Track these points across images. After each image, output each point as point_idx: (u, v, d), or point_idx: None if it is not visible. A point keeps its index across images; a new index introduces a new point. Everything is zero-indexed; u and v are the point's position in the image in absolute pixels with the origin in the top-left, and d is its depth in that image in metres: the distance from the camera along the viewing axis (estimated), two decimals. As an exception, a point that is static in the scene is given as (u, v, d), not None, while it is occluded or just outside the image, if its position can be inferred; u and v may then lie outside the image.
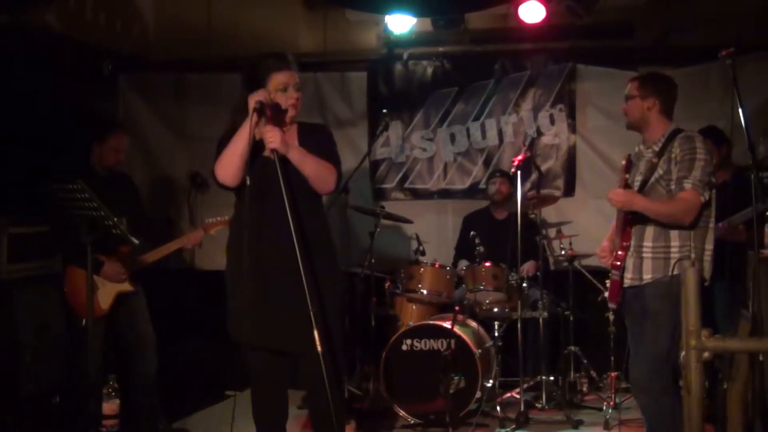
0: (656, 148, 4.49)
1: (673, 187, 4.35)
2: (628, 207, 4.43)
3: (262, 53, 4.38)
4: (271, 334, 4.23)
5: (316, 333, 3.94)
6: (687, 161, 4.30)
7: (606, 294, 4.74)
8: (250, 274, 4.14)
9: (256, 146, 4.12)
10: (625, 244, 4.50)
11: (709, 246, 4.43)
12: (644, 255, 4.44)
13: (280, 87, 4.21)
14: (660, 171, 4.40)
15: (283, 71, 4.24)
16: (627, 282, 4.51)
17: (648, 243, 4.43)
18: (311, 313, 3.94)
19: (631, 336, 4.65)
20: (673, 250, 4.37)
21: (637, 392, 4.66)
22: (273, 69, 4.24)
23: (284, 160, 4.12)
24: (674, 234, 4.38)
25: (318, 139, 4.38)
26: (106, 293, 5.48)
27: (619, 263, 4.51)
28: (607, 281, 4.70)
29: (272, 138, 4.07)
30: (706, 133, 5.83)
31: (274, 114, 4.15)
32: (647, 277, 4.42)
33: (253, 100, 4.07)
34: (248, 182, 4.05)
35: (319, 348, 3.95)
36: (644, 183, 4.46)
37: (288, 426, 4.58)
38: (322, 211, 4.46)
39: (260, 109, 4.07)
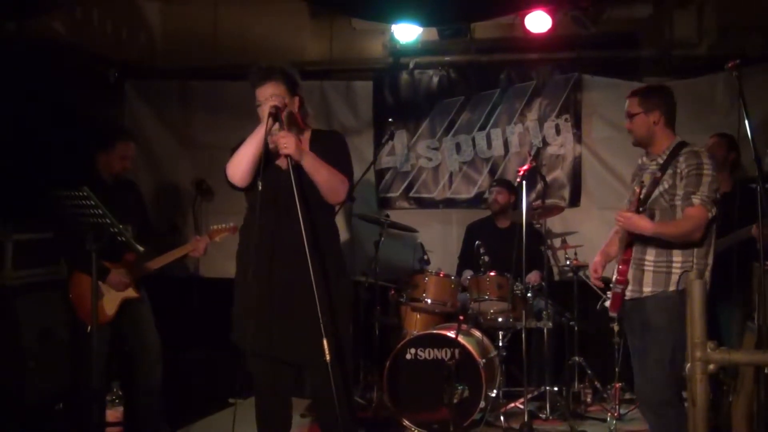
0: (660, 161, 4.47)
1: (678, 202, 4.33)
2: (634, 230, 4.38)
3: (253, 66, 4.37)
4: (279, 343, 4.22)
5: (325, 342, 3.93)
6: (694, 176, 4.29)
7: (607, 303, 4.72)
8: (260, 281, 4.14)
9: (269, 154, 4.13)
10: (626, 258, 4.48)
11: (710, 260, 4.43)
12: (645, 268, 4.42)
13: (259, 103, 4.23)
14: (665, 185, 4.38)
15: (259, 87, 4.25)
16: (628, 295, 4.49)
17: (650, 257, 4.41)
18: (321, 322, 3.94)
19: (631, 349, 4.64)
20: (675, 264, 4.35)
21: (640, 405, 4.64)
22: (254, 86, 4.26)
23: (297, 168, 4.12)
24: (677, 249, 4.36)
25: (331, 147, 4.37)
26: (112, 299, 5.48)
27: (621, 277, 4.49)
28: (608, 292, 4.68)
29: (286, 144, 4.07)
30: (718, 135, 5.87)
31: (288, 120, 4.16)
32: (647, 290, 4.40)
33: (268, 105, 4.08)
34: (260, 187, 4.05)
35: (327, 357, 3.94)
36: (647, 197, 4.43)
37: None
38: (332, 221, 4.45)
39: (275, 115, 4.07)
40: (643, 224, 4.32)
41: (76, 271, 5.51)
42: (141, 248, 5.12)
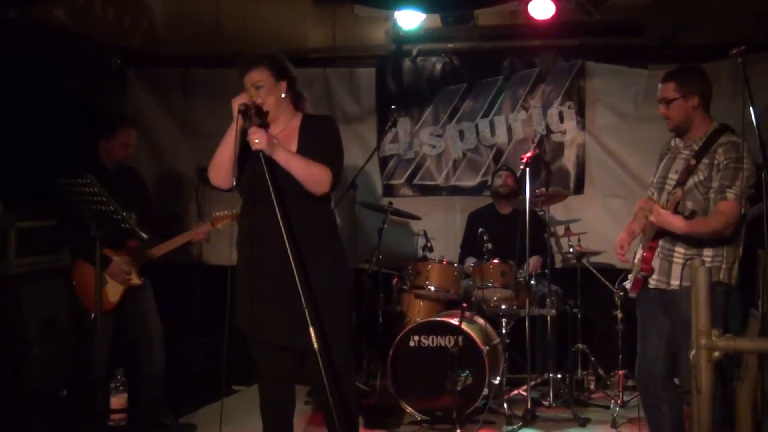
0: (695, 147, 4.39)
1: (712, 195, 4.26)
2: (668, 228, 4.29)
3: (242, 54, 4.39)
4: (275, 330, 4.26)
5: (311, 330, 3.95)
6: (732, 170, 4.21)
7: (626, 284, 4.67)
8: (253, 270, 4.23)
9: (249, 148, 4.15)
10: (652, 245, 4.42)
11: (740, 252, 4.37)
12: (674, 260, 4.35)
13: (250, 89, 4.25)
14: (700, 176, 4.29)
15: (244, 76, 4.26)
16: (653, 284, 4.43)
17: (680, 249, 4.34)
18: (306, 311, 3.95)
19: (642, 332, 4.62)
20: (705, 259, 4.25)
21: (661, 390, 4.52)
22: (241, 75, 4.28)
23: (272, 162, 4.13)
24: (708, 243, 4.29)
25: (319, 133, 4.35)
26: (115, 287, 5.49)
27: (646, 266, 4.42)
28: (629, 275, 4.63)
29: (257, 139, 4.08)
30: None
31: (258, 115, 4.19)
32: (675, 283, 4.33)
33: (237, 103, 4.10)
34: (234, 183, 4.10)
35: (315, 345, 3.95)
36: (680, 183, 4.36)
37: (294, 421, 4.58)
38: (324, 207, 4.40)
39: (244, 112, 4.10)
40: (677, 223, 4.24)
41: (79, 258, 5.52)
42: (145, 235, 5.13)
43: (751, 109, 4.18)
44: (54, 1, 6.58)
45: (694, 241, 4.31)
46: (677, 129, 4.49)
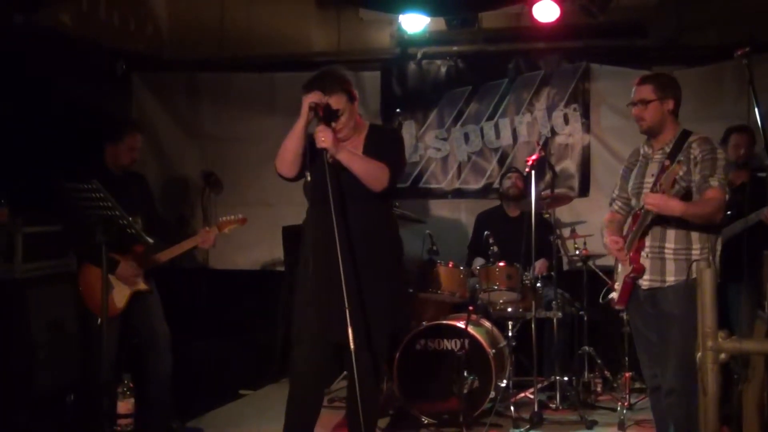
0: (667, 149, 4.45)
1: (695, 188, 4.32)
2: (666, 211, 4.31)
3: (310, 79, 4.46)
4: (327, 326, 4.34)
5: (350, 330, 4.03)
6: (709, 161, 4.29)
7: (613, 295, 4.70)
8: (315, 268, 4.35)
9: (319, 150, 4.27)
10: (640, 246, 4.45)
11: (719, 247, 4.44)
12: (666, 256, 4.39)
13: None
14: (680, 171, 4.30)
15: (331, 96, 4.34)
16: (646, 284, 4.45)
17: (670, 245, 4.38)
18: (347, 311, 4.04)
19: (639, 337, 4.66)
20: (694, 252, 4.33)
21: (665, 395, 4.50)
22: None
23: (337, 162, 4.27)
24: (695, 236, 4.35)
25: (382, 140, 4.53)
26: (122, 292, 5.48)
27: (637, 265, 4.44)
28: (617, 283, 4.66)
29: (323, 137, 4.22)
30: (742, 129, 5.85)
31: (326, 115, 4.29)
32: (670, 279, 4.37)
33: (307, 101, 4.24)
34: (308, 178, 4.30)
35: (351, 345, 4.03)
36: (656, 183, 4.38)
37: (321, 427, 4.58)
38: (385, 210, 4.59)
39: (314, 110, 4.23)
40: (674, 205, 4.26)
41: (85, 263, 5.52)
42: (150, 240, 5.14)
43: (756, 110, 4.19)
44: (59, 6, 6.60)
45: (682, 236, 4.37)
46: (650, 131, 4.56)
